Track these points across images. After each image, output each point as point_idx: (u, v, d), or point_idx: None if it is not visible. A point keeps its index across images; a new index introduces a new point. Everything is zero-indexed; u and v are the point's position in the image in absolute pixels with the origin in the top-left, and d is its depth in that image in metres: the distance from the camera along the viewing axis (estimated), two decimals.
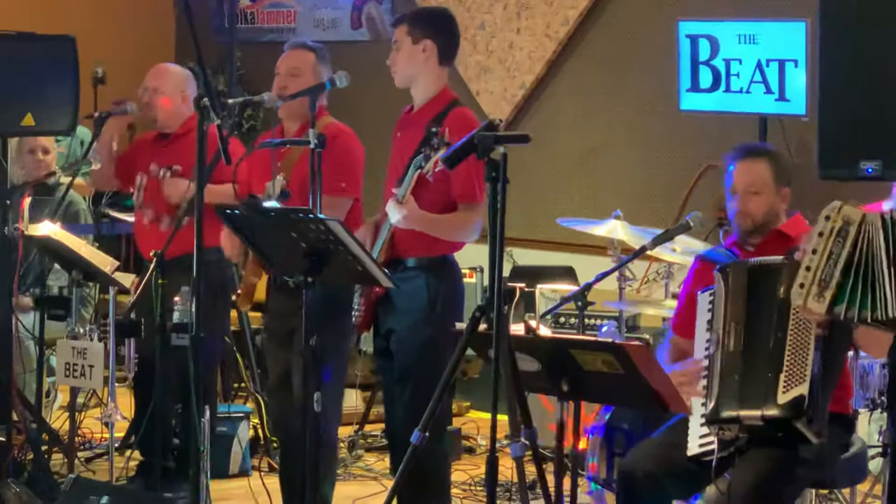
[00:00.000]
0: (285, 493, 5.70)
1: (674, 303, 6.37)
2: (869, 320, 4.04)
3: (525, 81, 8.73)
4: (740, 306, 4.67)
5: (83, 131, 7.84)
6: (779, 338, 4.57)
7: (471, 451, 7.46)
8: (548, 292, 7.32)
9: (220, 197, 5.51)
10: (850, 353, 5.10)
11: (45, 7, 9.65)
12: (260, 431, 7.12)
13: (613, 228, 6.47)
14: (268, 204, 5.28)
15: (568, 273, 7.59)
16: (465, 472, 6.87)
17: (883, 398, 5.64)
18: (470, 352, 4.50)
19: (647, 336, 6.97)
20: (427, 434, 4.40)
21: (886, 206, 4.45)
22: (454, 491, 5.85)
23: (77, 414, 6.46)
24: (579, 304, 5.67)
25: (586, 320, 6.48)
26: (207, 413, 4.93)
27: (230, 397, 7.62)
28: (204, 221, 4.76)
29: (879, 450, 5.73)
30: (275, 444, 6.88)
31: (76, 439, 6.59)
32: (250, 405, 7.29)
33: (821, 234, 4.07)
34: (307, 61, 5.66)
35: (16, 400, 6.37)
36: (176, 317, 5.69)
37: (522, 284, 7.25)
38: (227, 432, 6.81)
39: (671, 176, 8.07)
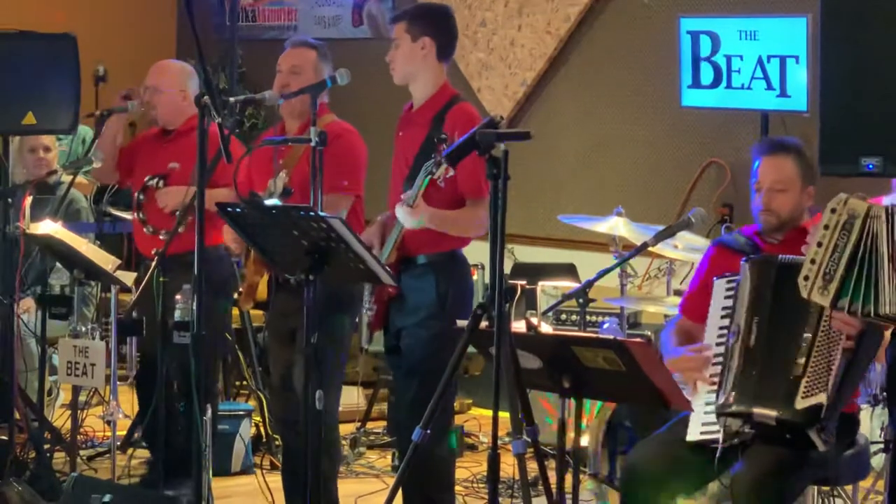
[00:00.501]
0: (288, 491, 5.70)
1: (675, 300, 6.37)
2: (871, 315, 4.04)
3: (526, 78, 8.73)
4: (766, 302, 4.61)
5: (84, 130, 7.85)
6: (806, 342, 4.52)
7: (473, 448, 7.47)
8: (549, 289, 7.32)
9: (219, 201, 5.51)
10: None
11: (45, 5, 9.65)
12: (262, 429, 7.12)
13: (615, 225, 6.47)
14: (269, 202, 5.28)
15: (569, 270, 7.59)
16: (467, 470, 6.87)
17: (885, 394, 5.64)
18: (472, 349, 4.50)
19: (649, 333, 6.97)
20: (429, 431, 4.40)
21: (886, 201, 4.44)
22: (456, 488, 5.85)
23: (79, 412, 6.45)
24: (581, 300, 5.67)
25: (588, 317, 6.49)
26: (209, 411, 4.94)
27: (232, 395, 7.63)
28: (206, 220, 4.76)
29: (881, 446, 5.73)
30: (277, 442, 6.89)
31: (78, 438, 6.59)
32: (252, 403, 7.30)
33: (826, 227, 4.07)
34: (308, 59, 5.66)
35: (18, 398, 6.37)
36: (177, 315, 5.69)
37: (524, 281, 7.26)
38: (229, 430, 6.81)
39: (673, 172, 8.07)
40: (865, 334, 4.41)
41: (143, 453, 6.83)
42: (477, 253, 5.48)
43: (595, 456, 5.73)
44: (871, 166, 3.95)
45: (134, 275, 6.33)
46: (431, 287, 5.26)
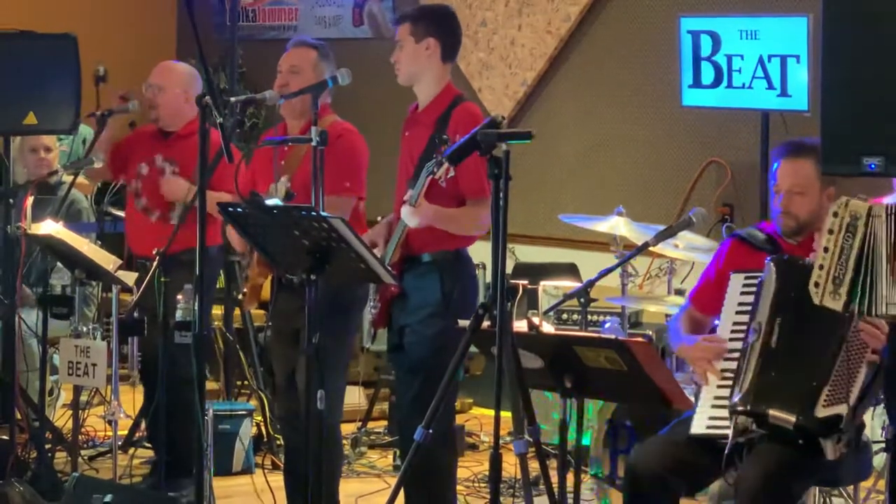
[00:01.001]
0: (290, 491, 5.70)
1: (676, 299, 6.38)
2: (875, 314, 4.04)
3: (527, 78, 8.73)
4: (791, 303, 4.58)
5: (85, 130, 7.84)
6: (832, 350, 4.50)
7: (474, 447, 7.47)
8: (550, 289, 7.32)
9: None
10: None
11: (46, 5, 9.65)
12: (263, 429, 7.12)
13: (616, 225, 6.47)
14: (270, 201, 5.28)
15: (570, 269, 7.60)
16: (468, 469, 6.87)
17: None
18: (473, 348, 4.51)
19: (650, 332, 6.97)
20: (431, 431, 4.40)
21: (887, 201, 4.44)
22: (458, 488, 5.85)
23: (80, 412, 6.45)
24: (582, 300, 5.67)
25: (589, 317, 6.48)
26: (211, 410, 4.94)
27: (233, 395, 7.63)
28: (191, 220, 4.76)
29: (882, 445, 5.72)
30: (279, 442, 6.89)
31: (79, 438, 6.59)
32: (253, 403, 7.30)
33: (830, 231, 4.06)
34: (308, 59, 5.66)
35: (19, 398, 6.37)
36: (179, 315, 5.69)
37: (525, 281, 7.27)
38: (230, 430, 6.82)
39: (673, 172, 8.07)
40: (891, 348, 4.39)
41: (145, 453, 6.83)
42: (478, 253, 5.48)
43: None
44: (872, 166, 3.94)
45: (135, 275, 6.33)
46: (436, 285, 5.27)
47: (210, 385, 7.59)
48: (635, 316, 7.34)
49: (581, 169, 8.52)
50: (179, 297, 5.58)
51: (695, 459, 4.71)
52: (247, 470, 6.84)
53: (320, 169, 4.97)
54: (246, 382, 7.54)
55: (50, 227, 6.18)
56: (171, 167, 6.49)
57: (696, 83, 7.35)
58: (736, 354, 4.72)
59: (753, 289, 4.75)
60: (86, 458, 6.87)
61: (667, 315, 6.74)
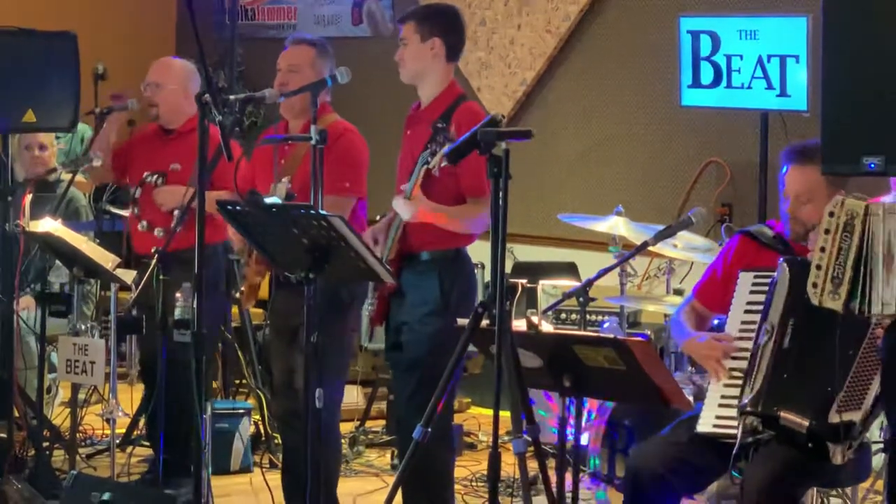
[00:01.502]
0: (287, 490, 5.70)
1: (675, 299, 6.37)
2: (871, 313, 4.03)
3: (526, 77, 8.73)
4: (805, 305, 4.45)
5: (84, 128, 7.84)
6: (848, 356, 4.47)
7: (472, 447, 7.46)
8: (549, 288, 7.32)
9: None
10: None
11: (46, 3, 9.64)
12: (261, 428, 7.12)
13: (615, 224, 6.47)
14: (269, 200, 5.28)
15: (569, 269, 7.60)
16: (466, 469, 6.87)
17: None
18: (472, 347, 4.50)
19: (649, 332, 6.97)
20: (429, 430, 4.40)
21: (886, 200, 4.43)
22: (456, 487, 5.85)
23: (78, 410, 6.46)
24: (581, 299, 5.67)
25: (588, 316, 6.48)
26: (209, 409, 4.93)
27: (231, 393, 7.63)
28: (193, 219, 4.76)
29: (881, 446, 5.72)
30: (276, 441, 6.88)
31: (77, 436, 6.59)
32: (251, 401, 7.29)
33: (827, 231, 4.05)
34: (306, 57, 5.66)
35: (17, 396, 6.37)
36: (178, 313, 5.69)
37: (524, 280, 7.26)
38: (228, 429, 6.81)
39: (673, 172, 8.07)
40: None
41: (143, 451, 6.83)
42: (478, 252, 5.48)
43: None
44: (872, 165, 3.93)
45: (133, 273, 6.33)
46: (434, 284, 5.27)
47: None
48: (634, 316, 7.35)
49: (580, 168, 8.52)
50: (178, 294, 5.58)
51: (696, 459, 4.70)
52: (245, 469, 6.84)
53: (319, 167, 4.97)
54: (244, 381, 7.53)
55: (48, 225, 6.18)
56: (158, 178, 6.45)
57: (696, 83, 7.35)
58: (743, 354, 4.72)
59: (763, 288, 4.73)
60: (84, 456, 6.86)
61: (665, 315, 6.74)
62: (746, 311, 4.77)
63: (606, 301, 6.71)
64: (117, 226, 8.05)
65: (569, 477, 4.62)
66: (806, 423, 4.48)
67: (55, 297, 6.42)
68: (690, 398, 4.81)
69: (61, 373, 6.17)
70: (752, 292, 4.78)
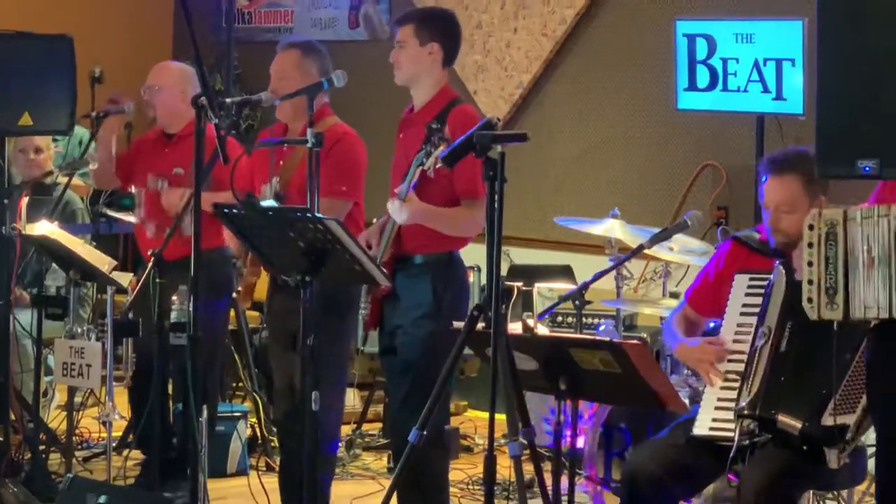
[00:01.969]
0: (284, 493, 5.70)
1: (671, 302, 6.38)
2: (853, 318, 4.04)
3: (522, 80, 8.73)
4: (802, 309, 4.57)
5: (82, 131, 7.84)
6: (845, 359, 4.47)
7: (468, 450, 7.47)
8: (545, 291, 7.33)
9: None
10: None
11: (42, 6, 9.64)
12: (258, 431, 7.12)
13: (611, 227, 6.47)
14: (265, 203, 5.28)
15: (565, 272, 7.60)
16: (462, 472, 6.87)
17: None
18: (468, 350, 4.51)
19: (645, 335, 6.97)
20: (425, 433, 4.40)
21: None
22: (452, 490, 5.85)
23: (75, 413, 6.45)
24: (577, 302, 5.68)
25: (584, 319, 6.48)
26: (205, 412, 4.94)
27: (228, 396, 7.62)
28: (205, 223, 4.77)
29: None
30: (273, 444, 6.88)
31: (74, 439, 6.59)
32: (248, 404, 7.29)
33: (811, 245, 4.05)
34: (291, 61, 5.67)
35: (13, 399, 6.36)
36: (174, 316, 5.69)
37: (520, 283, 7.26)
38: (225, 431, 6.81)
39: (669, 175, 8.07)
40: None
41: (139, 454, 6.82)
42: (473, 255, 5.48)
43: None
44: (867, 168, 3.93)
45: (130, 276, 6.33)
46: (427, 287, 5.27)
47: None
48: (630, 319, 7.35)
49: (576, 171, 8.53)
50: (174, 298, 5.58)
51: (693, 462, 4.71)
52: (241, 472, 6.84)
53: (316, 171, 4.98)
54: (241, 384, 7.53)
55: (45, 228, 6.18)
56: (163, 183, 6.47)
57: (692, 86, 7.36)
58: (739, 356, 4.72)
59: (758, 290, 4.74)
60: (80, 459, 6.86)
61: (661, 318, 6.74)
62: (742, 314, 4.77)
63: (602, 304, 6.72)
64: (114, 229, 8.03)
65: (565, 480, 4.62)
66: (799, 425, 4.49)
67: (52, 300, 6.41)
68: (686, 401, 4.81)
69: (58, 376, 6.16)
70: (747, 294, 4.78)
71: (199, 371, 4.80)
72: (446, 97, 5.36)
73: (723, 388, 4.70)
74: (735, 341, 4.75)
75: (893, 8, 3.94)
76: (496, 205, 4.23)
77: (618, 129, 8.32)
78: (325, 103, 5.63)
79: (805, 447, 4.53)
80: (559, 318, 7.25)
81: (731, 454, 4.55)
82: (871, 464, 5.38)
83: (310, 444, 4.75)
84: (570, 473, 4.73)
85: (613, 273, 6.25)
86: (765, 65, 7.06)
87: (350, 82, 5.24)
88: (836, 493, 5.70)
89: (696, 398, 5.36)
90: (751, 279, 4.78)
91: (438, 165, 4.97)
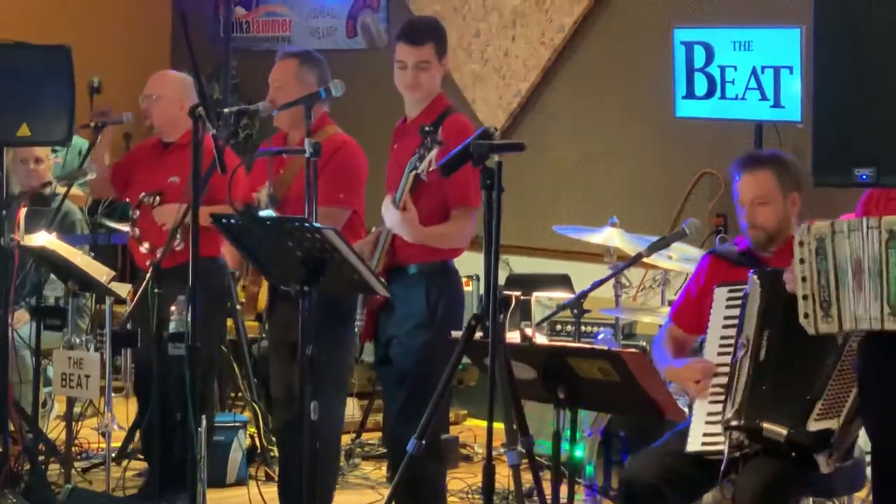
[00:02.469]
0: (283, 502, 5.69)
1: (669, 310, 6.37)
2: (843, 329, 4.05)
3: (520, 89, 8.73)
4: (778, 315, 4.55)
5: (81, 141, 7.84)
6: (827, 365, 4.48)
7: (468, 459, 7.46)
8: (544, 300, 7.33)
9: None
10: None
11: (40, 17, 9.65)
12: (257, 440, 7.11)
13: (609, 236, 6.48)
14: (263, 213, 5.29)
15: (564, 281, 7.60)
16: (461, 481, 6.87)
17: None
18: (466, 360, 4.51)
19: (644, 343, 6.96)
20: (423, 442, 4.40)
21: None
22: (451, 499, 5.85)
23: (73, 424, 6.45)
24: (575, 311, 5.68)
25: (582, 328, 6.47)
26: (204, 422, 4.94)
27: (227, 406, 7.62)
28: (201, 233, 4.77)
29: None
30: (272, 454, 6.88)
31: (73, 449, 6.58)
32: (247, 414, 7.29)
33: (802, 261, 4.07)
34: (290, 70, 5.69)
35: (12, 410, 6.36)
36: (172, 326, 5.69)
37: (518, 292, 7.27)
38: (224, 441, 6.81)
39: (667, 183, 8.07)
40: None
41: (138, 465, 6.82)
42: (471, 264, 5.48)
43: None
44: (864, 177, 3.94)
45: (128, 286, 6.33)
46: (422, 297, 5.26)
47: None
48: (629, 327, 7.34)
49: (575, 180, 8.53)
50: (172, 308, 5.58)
51: (690, 471, 4.71)
52: (240, 481, 6.83)
53: (314, 180, 4.98)
54: (240, 394, 7.53)
55: (43, 239, 6.18)
56: (153, 198, 6.45)
57: (690, 94, 7.37)
58: (725, 370, 4.72)
59: (738, 302, 4.75)
60: (79, 469, 6.86)
61: (660, 326, 6.74)
62: (724, 326, 4.78)
63: (601, 313, 6.71)
64: (113, 239, 8.04)
65: (564, 489, 4.62)
66: (784, 431, 4.50)
67: (50, 311, 6.41)
68: (685, 409, 4.81)
69: (56, 386, 6.16)
70: (727, 307, 4.79)
71: (197, 381, 4.81)
72: (440, 106, 5.36)
73: (711, 401, 4.71)
74: (720, 354, 4.76)
75: (889, 15, 3.94)
76: (494, 214, 4.23)
77: (616, 137, 8.32)
78: (324, 112, 5.64)
79: (794, 454, 4.53)
80: (558, 327, 7.24)
81: (722, 468, 4.56)
82: (869, 471, 5.39)
83: (308, 453, 4.74)
84: (570, 482, 4.72)
85: (612, 281, 6.24)
86: (763, 72, 7.07)
87: (348, 91, 5.24)
88: (835, 500, 5.70)
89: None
90: (729, 291, 4.80)
91: (432, 168, 4.97)
